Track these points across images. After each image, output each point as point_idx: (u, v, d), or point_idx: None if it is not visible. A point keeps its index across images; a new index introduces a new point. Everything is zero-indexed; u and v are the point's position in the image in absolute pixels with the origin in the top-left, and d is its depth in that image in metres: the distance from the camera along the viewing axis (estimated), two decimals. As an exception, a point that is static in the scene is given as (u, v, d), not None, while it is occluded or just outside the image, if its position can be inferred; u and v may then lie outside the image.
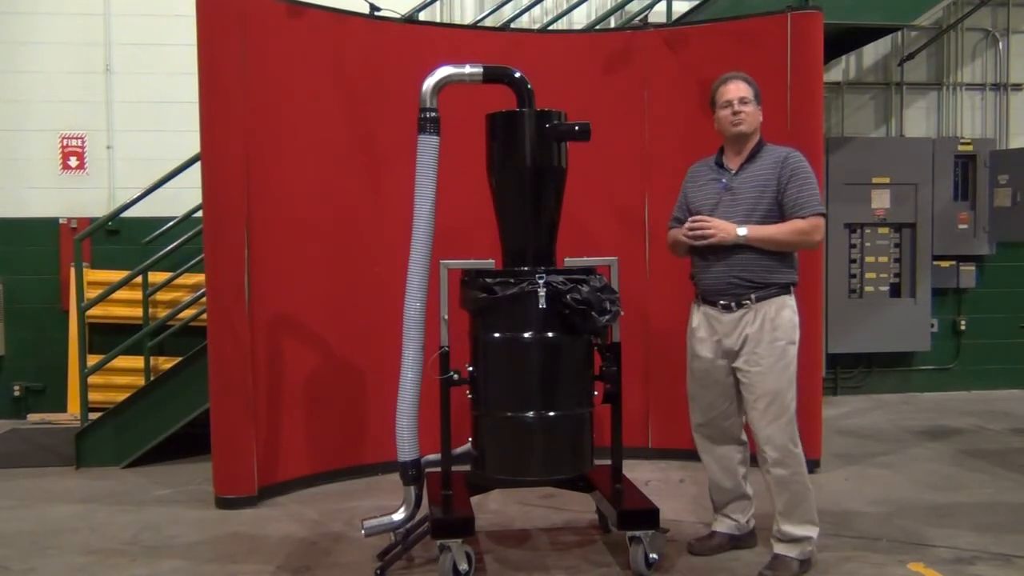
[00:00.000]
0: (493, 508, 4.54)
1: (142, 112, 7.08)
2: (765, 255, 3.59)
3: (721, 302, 3.65)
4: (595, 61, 5.47)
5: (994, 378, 7.92)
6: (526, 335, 3.57)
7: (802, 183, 3.58)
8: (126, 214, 6.20)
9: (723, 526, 3.90)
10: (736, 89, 3.68)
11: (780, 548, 3.62)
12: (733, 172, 3.70)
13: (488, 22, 6.75)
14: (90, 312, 5.99)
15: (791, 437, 3.57)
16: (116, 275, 6.26)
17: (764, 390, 3.57)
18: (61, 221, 7.08)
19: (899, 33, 7.65)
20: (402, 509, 3.71)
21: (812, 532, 3.62)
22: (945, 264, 7.72)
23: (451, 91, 3.72)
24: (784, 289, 3.62)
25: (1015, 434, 6.22)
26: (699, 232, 3.59)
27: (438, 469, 3.77)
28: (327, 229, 5.05)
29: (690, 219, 3.66)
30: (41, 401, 7.09)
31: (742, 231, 3.55)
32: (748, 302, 3.59)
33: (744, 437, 3.84)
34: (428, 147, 3.64)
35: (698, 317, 3.78)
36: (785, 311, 3.60)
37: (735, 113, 3.65)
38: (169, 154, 6.35)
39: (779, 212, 3.61)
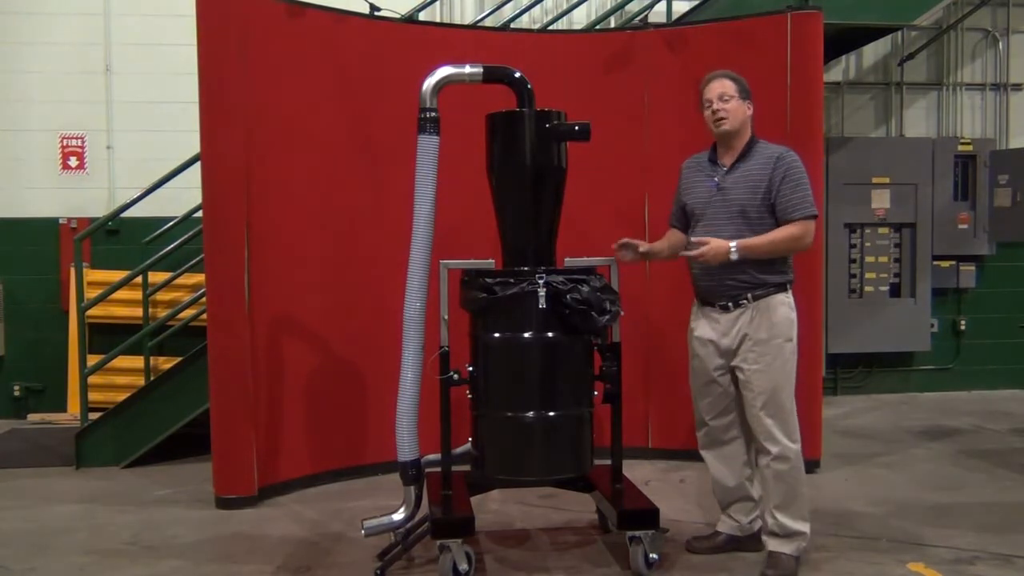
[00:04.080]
0: (493, 508, 4.54)
1: (142, 112, 7.08)
2: (758, 260, 3.59)
3: (719, 303, 3.67)
4: (595, 61, 5.47)
5: (994, 378, 7.92)
6: (526, 335, 3.57)
7: (795, 184, 3.57)
8: (126, 214, 6.21)
9: (725, 526, 3.90)
10: (716, 87, 3.68)
11: (774, 544, 3.61)
12: (725, 170, 3.69)
13: (488, 22, 6.75)
14: (90, 312, 5.99)
15: (789, 433, 3.59)
16: (116, 275, 6.26)
17: (762, 388, 3.58)
18: (61, 221, 7.07)
19: (899, 33, 7.64)
20: (402, 509, 3.71)
21: (806, 528, 3.63)
22: (945, 264, 7.71)
23: (451, 91, 3.72)
24: (780, 288, 3.63)
25: (1015, 434, 6.22)
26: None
27: (438, 469, 3.78)
28: (327, 229, 5.04)
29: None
30: (41, 401, 7.08)
31: (733, 252, 3.51)
32: (745, 301, 3.60)
33: (746, 438, 3.81)
34: (428, 147, 3.64)
35: (697, 317, 3.79)
36: (781, 309, 3.61)
37: (715, 111, 3.65)
38: (169, 154, 6.34)
39: (770, 213, 3.60)
